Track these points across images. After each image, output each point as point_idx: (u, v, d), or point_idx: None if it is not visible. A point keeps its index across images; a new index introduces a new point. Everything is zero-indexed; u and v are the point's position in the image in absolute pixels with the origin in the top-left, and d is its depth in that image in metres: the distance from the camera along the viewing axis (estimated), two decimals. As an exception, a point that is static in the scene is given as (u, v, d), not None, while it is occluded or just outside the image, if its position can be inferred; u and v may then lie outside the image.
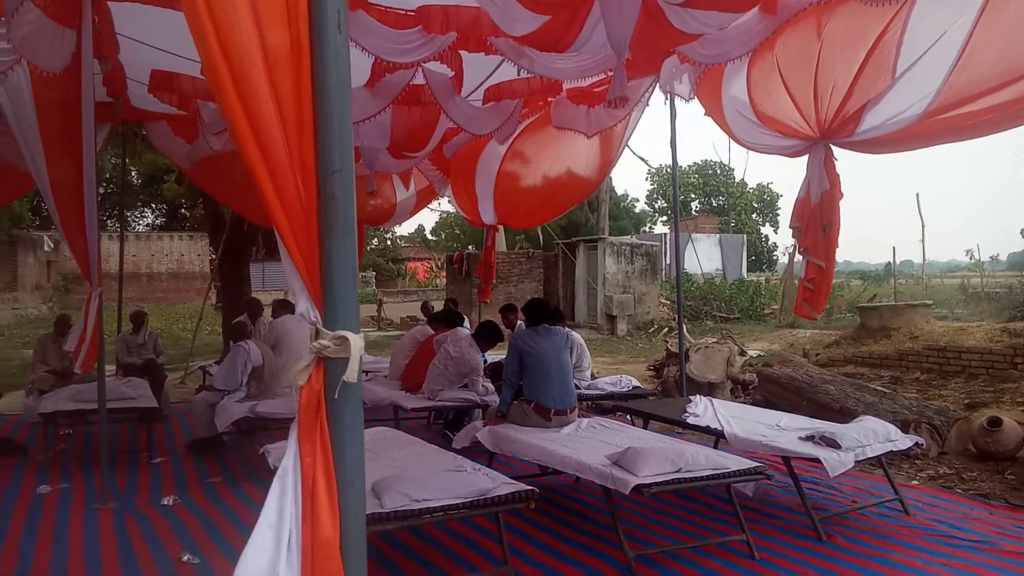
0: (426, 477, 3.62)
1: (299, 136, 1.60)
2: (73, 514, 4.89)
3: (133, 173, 25.42)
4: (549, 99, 7.12)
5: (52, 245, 29.40)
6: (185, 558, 4.05)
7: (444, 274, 27.94)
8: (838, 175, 4.78)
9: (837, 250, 4.86)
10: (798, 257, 5.15)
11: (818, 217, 4.79)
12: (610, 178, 21.78)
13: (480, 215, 9.19)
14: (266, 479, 4.73)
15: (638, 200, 47.22)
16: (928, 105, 4.01)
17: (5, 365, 12.47)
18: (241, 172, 8.57)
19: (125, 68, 5.95)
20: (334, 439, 1.67)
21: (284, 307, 7.92)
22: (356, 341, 1.62)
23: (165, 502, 5.11)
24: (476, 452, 5.13)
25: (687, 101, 6.08)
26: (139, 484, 5.60)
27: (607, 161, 8.13)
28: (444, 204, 32.75)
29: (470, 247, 28.03)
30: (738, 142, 5.60)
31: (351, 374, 1.63)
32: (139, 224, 38.43)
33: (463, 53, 5.44)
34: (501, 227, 13.74)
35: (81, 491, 5.40)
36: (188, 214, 35.64)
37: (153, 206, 38.22)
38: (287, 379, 6.62)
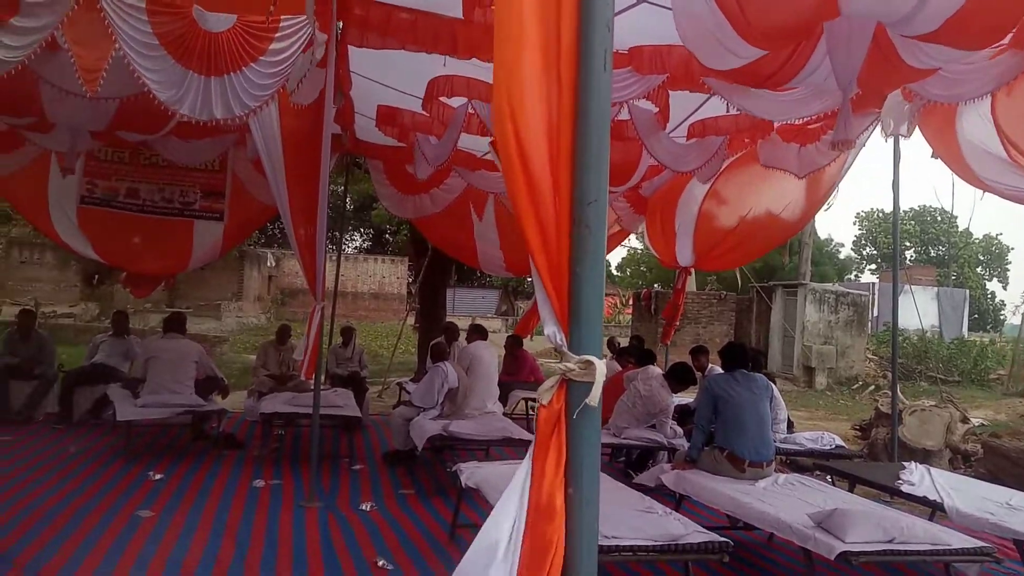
0: (617, 514, 3.55)
1: (557, 165, 1.67)
2: (283, 509, 5.32)
3: (347, 199, 27.67)
4: (756, 139, 6.91)
5: (274, 262, 32.59)
6: (380, 563, 4.26)
7: (629, 311, 27.69)
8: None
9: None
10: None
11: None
12: (813, 220, 20.61)
13: (676, 256, 9.04)
14: (454, 496, 4.90)
15: (843, 245, 44.42)
16: None
17: (229, 367, 13.88)
18: (445, 222, 9.27)
19: (354, 103, 6.53)
20: (572, 460, 1.70)
21: (477, 333, 8.22)
22: (600, 366, 1.66)
23: (363, 507, 5.42)
24: (658, 496, 4.97)
25: (906, 138, 5.68)
26: (340, 487, 5.99)
27: (813, 203, 7.72)
28: (632, 241, 32.63)
29: (656, 285, 27.62)
30: (976, 183, 5.09)
31: (593, 398, 1.66)
32: (348, 246, 41.66)
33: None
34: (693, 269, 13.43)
35: (290, 488, 5.87)
36: (391, 239, 38.24)
37: (361, 230, 41.35)
38: (476, 401, 6.84)
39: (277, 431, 7.53)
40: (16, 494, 5.25)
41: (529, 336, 10.36)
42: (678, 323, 9.99)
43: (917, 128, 5.59)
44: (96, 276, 23.07)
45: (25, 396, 7.94)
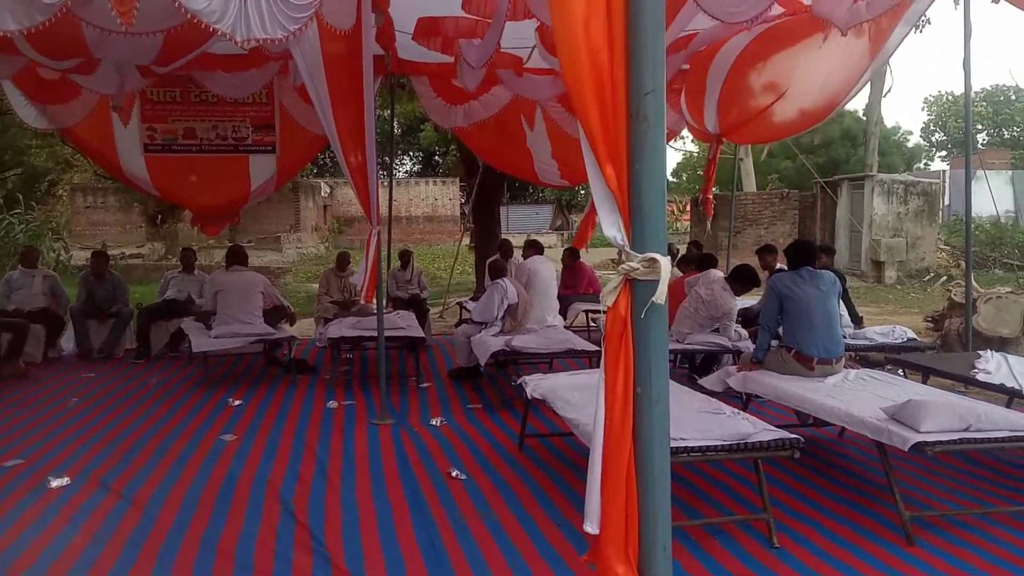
0: (683, 416, 3.54)
1: (612, 54, 1.57)
2: (357, 427, 5.51)
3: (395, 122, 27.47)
4: None
5: (328, 191, 32.89)
6: (454, 473, 4.39)
7: (686, 217, 27.18)
8: None
9: None
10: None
11: None
12: (879, 108, 19.62)
13: (704, 122, 8.56)
14: (519, 408, 4.99)
15: (911, 133, 42.24)
16: None
17: (294, 296, 14.25)
18: (495, 135, 9.05)
19: (393, 21, 6.34)
20: (640, 360, 1.67)
21: (533, 248, 8.21)
22: (664, 263, 1.61)
23: (434, 422, 5.57)
24: (724, 399, 4.95)
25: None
26: (410, 405, 6.16)
27: (854, 76, 6.92)
28: (688, 144, 31.70)
29: (715, 189, 26.92)
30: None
31: (660, 296, 1.62)
32: (399, 171, 41.69)
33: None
34: (751, 168, 12.97)
35: (363, 408, 6.06)
36: (441, 161, 38.07)
37: (411, 154, 41.26)
38: (537, 315, 6.89)
39: (345, 355, 7.73)
40: (106, 426, 5.55)
41: (585, 248, 10.26)
42: (712, 197, 9.63)
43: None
44: (159, 216, 23.71)
45: (104, 334, 8.31)
